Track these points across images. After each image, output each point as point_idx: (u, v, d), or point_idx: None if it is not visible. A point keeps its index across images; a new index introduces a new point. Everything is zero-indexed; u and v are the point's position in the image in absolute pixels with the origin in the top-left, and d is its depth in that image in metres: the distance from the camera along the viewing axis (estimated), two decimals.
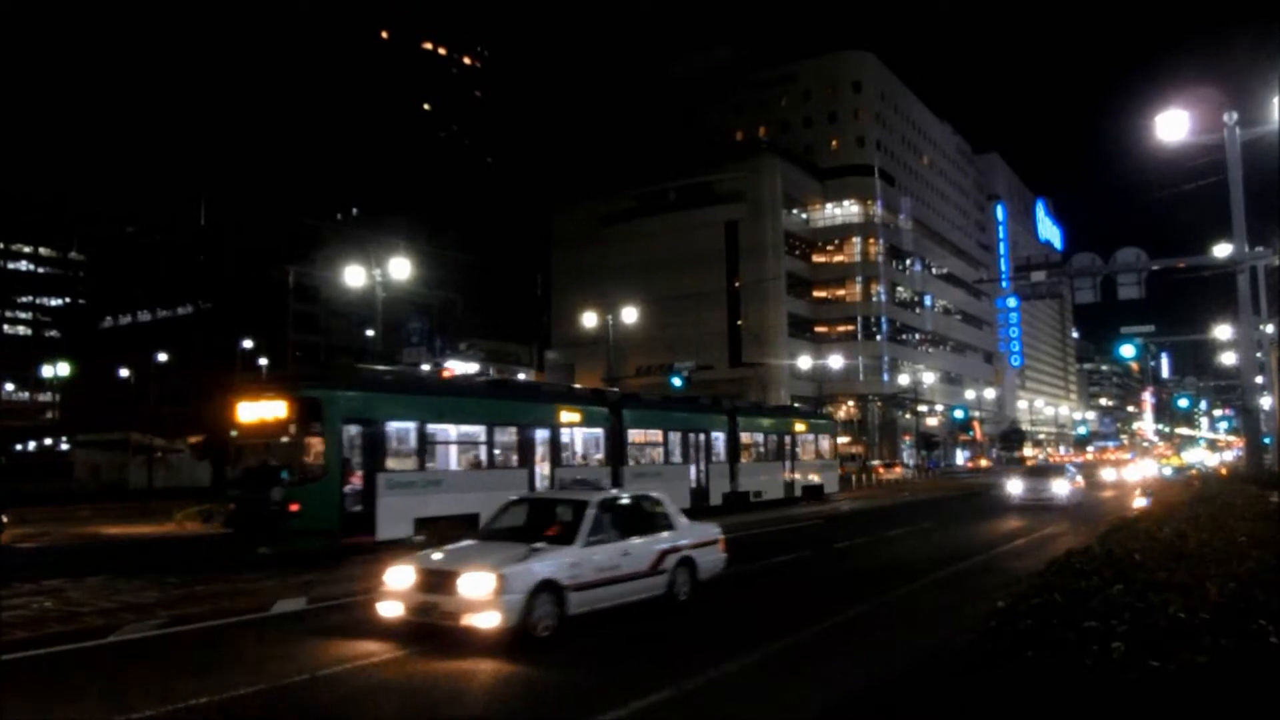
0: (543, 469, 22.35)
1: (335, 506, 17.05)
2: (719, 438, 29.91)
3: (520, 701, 7.63)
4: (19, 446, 72.27)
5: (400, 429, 19.05)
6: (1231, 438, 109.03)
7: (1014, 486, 30.21)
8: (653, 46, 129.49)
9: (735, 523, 23.11)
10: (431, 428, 19.64)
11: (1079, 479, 32.12)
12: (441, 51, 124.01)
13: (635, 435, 26.22)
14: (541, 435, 22.66)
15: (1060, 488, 29.13)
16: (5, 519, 22.78)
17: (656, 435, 27.28)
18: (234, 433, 18.47)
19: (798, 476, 34.17)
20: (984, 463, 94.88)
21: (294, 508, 16.56)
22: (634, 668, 8.54)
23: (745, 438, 31.40)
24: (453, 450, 20.49)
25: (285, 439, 17.45)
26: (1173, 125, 19.00)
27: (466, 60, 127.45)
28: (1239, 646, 4.18)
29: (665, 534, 11.29)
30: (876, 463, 67.32)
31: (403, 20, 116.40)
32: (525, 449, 22.07)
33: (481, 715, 7.29)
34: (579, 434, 24.32)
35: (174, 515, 27.64)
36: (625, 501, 11.53)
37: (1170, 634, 4.46)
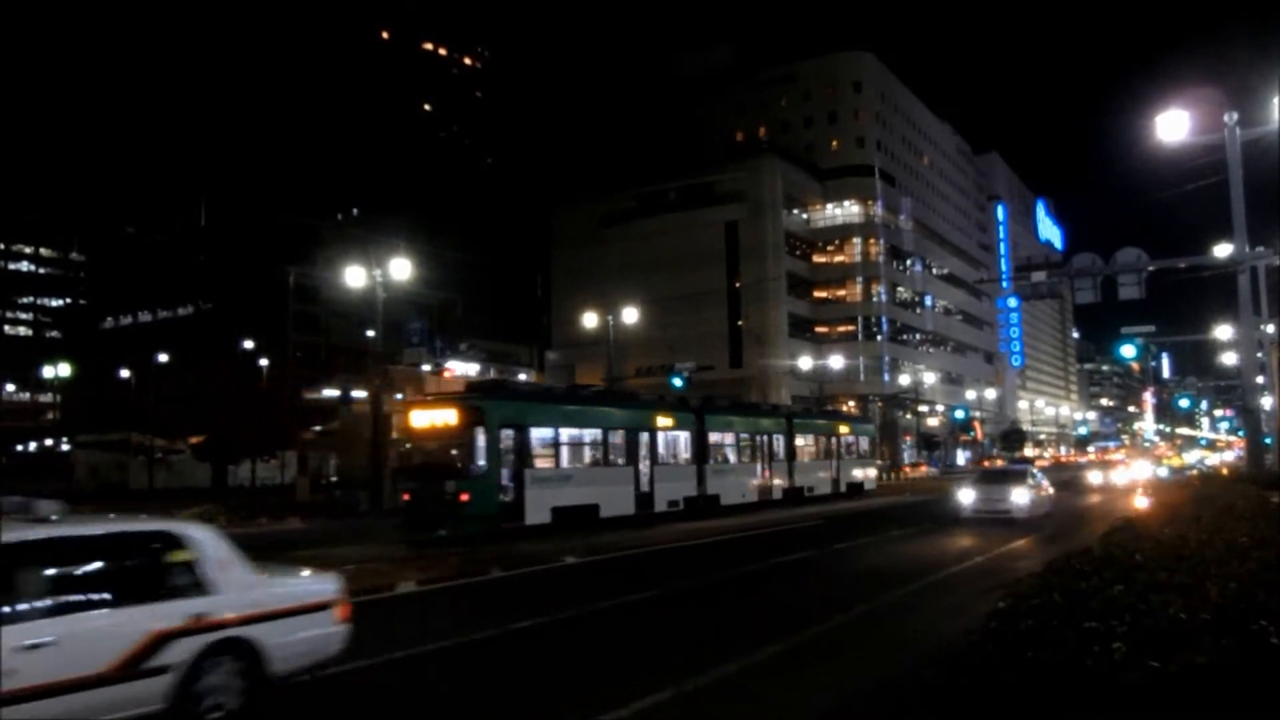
0: (644, 467, 25.62)
1: (495, 497, 20.54)
2: (779, 439, 33.09)
3: None
4: (19, 447, 72.31)
5: (540, 433, 22.46)
6: (1232, 438, 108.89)
7: (965, 496, 24.04)
8: (653, 46, 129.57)
9: (790, 516, 27.50)
10: (563, 432, 23.15)
11: (1046, 485, 26.26)
12: (442, 52, 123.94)
13: (714, 438, 29.19)
14: (643, 438, 25.82)
15: (1020, 497, 23.30)
16: None
17: (730, 438, 30.38)
18: (405, 439, 22.36)
19: (843, 474, 37.48)
20: (999, 462, 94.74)
21: (464, 498, 19.92)
22: None
23: (800, 439, 34.54)
24: (578, 451, 23.83)
25: (454, 441, 20.72)
26: (1173, 125, 19.01)
27: (467, 61, 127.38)
28: (1240, 647, 4.17)
29: (184, 601, 6.40)
30: (904, 463, 71.13)
31: (403, 21, 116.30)
32: (631, 450, 25.30)
33: None
34: (671, 436, 27.37)
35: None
36: (80, 543, 6.37)
37: (1171, 635, 4.46)
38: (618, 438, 24.99)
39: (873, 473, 41.85)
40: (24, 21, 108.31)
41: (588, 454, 24.03)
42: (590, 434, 24.22)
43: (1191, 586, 5.38)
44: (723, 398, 34.97)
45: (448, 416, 20.97)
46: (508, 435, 21.06)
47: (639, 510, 25.03)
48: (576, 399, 26.12)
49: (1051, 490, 26.56)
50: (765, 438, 32.26)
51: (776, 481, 32.44)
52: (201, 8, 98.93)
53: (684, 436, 27.82)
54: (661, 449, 26.64)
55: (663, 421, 26.99)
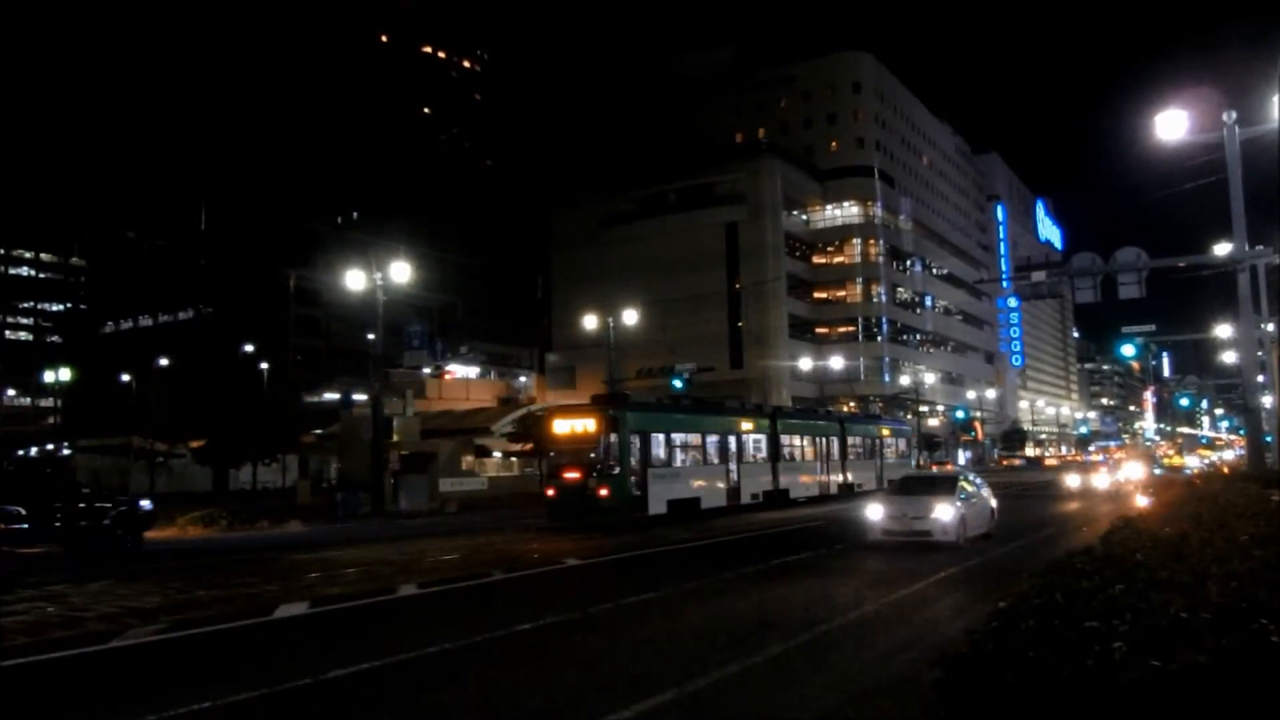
0: (733, 465, 29.58)
1: (627, 491, 24.44)
2: (835, 441, 37.22)
3: None
4: (20, 452, 72.28)
5: (658, 437, 26.35)
6: (1233, 437, 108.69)
7: (874, 512, 18.54)
8: (653, 47, 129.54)
9: (845, 509, 29.40)
10: (673, 436, 27.08)
11: (986, 497, 20.45)
12: (441, 55, 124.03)
13: (784, 440, 32.98)
14: (731, 441, 29.82)
15: (943, 513, 17.63)
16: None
17: (796, 440, 34.29)
18: (550, 443, 26.31)
19: (885, 471, 40.84)
20: (1017, 462, 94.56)
21: (603, 492, 23.93)
22: None
23: (851, 441, 38.62)
24: (684, 452, 27.62)
25: (593, 444, 24.61)
26: (1172, 124, 19.03)
27: (466, 63, 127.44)
28: (1241, 646, 4.17)
29: None
30: (931, 460, 73.21)
31: (402, 24, 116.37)
32: (723, 451, 29.37)
33: None
34: (751, 438, 31.21)
35: (176, 520, 27.65)
36: None
37: (1172, 634, 4.46)
38: (713, 441, 29.02)
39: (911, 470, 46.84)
40: (25, 25, 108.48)
41: (691, 455, 28.04)
42: (692, 438, 28.15)
43: (1192, 585, 5.38)
44: (646, 395, 37.85)
45: (587, 424, 25.00)
46: (635, 439, 25.03)
47: (729, 502, 29.05)
48: (680, 408, 29.94)
49: (994, 503, 21.03)
50: (824, 439, 36.46)
51: (833, 478, 36.58)
52: (201, 11, 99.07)
53: (762, 439, 31.85)
54: (745, 450, 30.70)
55: (745, 426, 30.99)
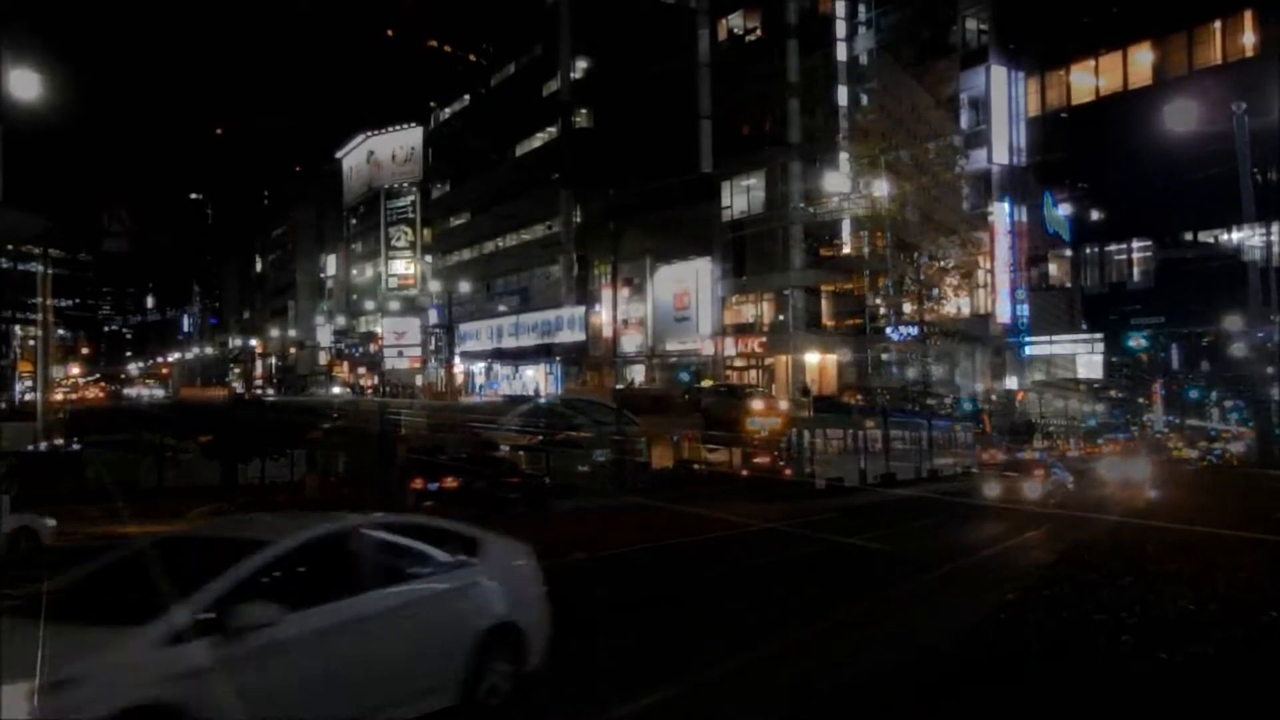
0: (859, 453, 37.28)
1: (803, 472, 32.28)
2: (923, 434, 45.10)
3: None
4: (30, 446, 72.64)
5: (818, 432, 34.94)
6: (1241, 429, 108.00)
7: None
8: (652, 42, 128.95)
9: (936, 489, 36.42)
10: (827, 433, 35.84)
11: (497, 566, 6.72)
12: (446, 49, 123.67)
13: (892, 434, 40.97)
14: (859, 435, 37.71)
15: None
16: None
17: (898, 433, 42.25)
18: (745, 437, 34.73)
19: (959, 459, 48.17)
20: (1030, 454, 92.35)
21: (788, 472, 31.59)
22: None
23: (935, 435, 46.27)
24: (833, 445, 36.02)
25: (778, 437, 33.21)
26: (1181, 115, 18.95)
27: (471, 58, 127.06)
28: (1248, 638, 4.15)
29: None
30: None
31: (406, 20, 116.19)
32: (854, 442, 37.20)
33: None
34: (869, 433, 38.86)
35: (185, 515, 27.72)
36: None
37: (1179, 626, 4.44)
38: (850, 435, 37.12)
39: (973, 459, 52.76)
40: (29, 22, 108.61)
41: (838, 446, 36.09)
42: (838, 434, 36.39)
43: (1200, 577, 5.36)
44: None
45: (773, 423, 33.87)
46: (806, 434, 33.79)
47: (860, 482, 35.87)
48: (829, 408, 39.69)
49: (529, 587, 7.01)
50: (915, 432, 44.19)
51: (924, 464, 43.34)
52: (205, 7, 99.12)
53: (877, 434, 39.27)
54: (868, 441, 38.11)
55: (869, 424, 39.73)
